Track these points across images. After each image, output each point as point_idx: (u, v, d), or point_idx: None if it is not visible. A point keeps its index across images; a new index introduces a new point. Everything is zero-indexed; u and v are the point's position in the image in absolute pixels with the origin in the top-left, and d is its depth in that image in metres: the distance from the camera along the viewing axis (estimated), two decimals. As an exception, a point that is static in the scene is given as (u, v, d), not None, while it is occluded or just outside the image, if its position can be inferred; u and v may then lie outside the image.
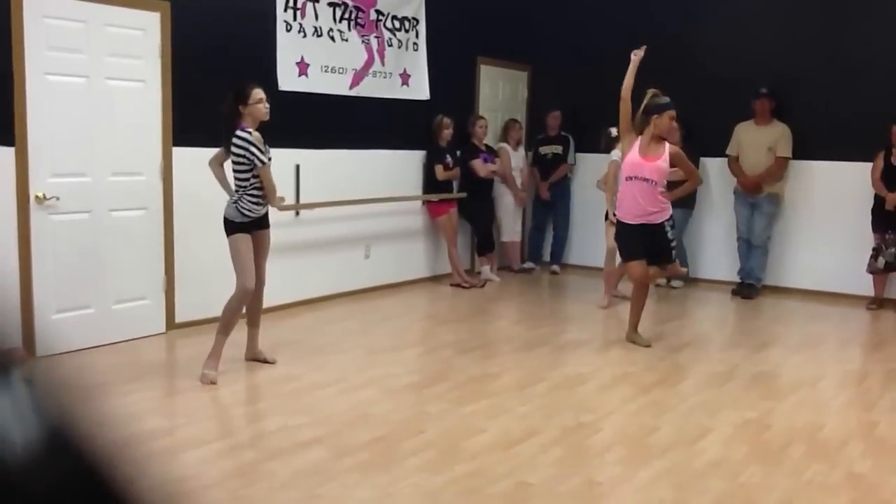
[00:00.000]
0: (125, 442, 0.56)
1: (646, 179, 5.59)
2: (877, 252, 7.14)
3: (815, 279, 7.91)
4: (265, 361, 5.11)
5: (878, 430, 4.19)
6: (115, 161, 5.45)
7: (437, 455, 3.71)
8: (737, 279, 8.07)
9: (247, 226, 4.81)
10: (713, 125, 7.99)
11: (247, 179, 4.74)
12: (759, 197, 7.84)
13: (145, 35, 5.56)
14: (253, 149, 4.66)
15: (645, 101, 5.68)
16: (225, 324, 4.83)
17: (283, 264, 6.66)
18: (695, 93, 8.22)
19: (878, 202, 7.24)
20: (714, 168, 8.27)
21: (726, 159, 8.04)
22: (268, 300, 6.45)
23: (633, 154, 5.63)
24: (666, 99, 5.69)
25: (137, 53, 5.53)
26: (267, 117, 4.82)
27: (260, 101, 4.77)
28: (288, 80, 6.52)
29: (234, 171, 4.79)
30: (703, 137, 8.05)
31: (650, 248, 5.72)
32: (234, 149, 4.71)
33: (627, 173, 5.66)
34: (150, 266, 5.74)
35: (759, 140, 7.79)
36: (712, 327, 6.85)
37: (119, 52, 5.41)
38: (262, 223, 4.93)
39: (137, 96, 5.55)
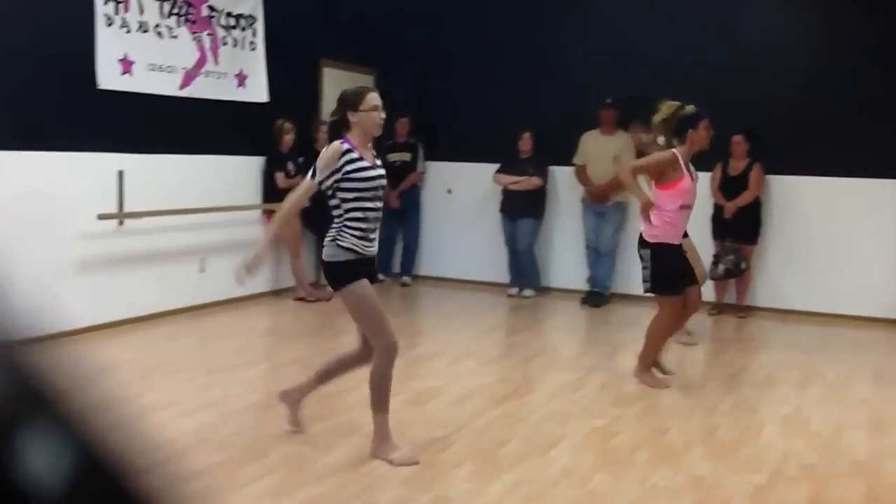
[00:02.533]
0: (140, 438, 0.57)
1: (691, 206, 5.35)
2: (717, 259, 7.71)
3: (661, 286, 8.43)
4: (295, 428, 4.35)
5: (718, 433, 4.55)
6: None
7: (281, 479, 3.72)
8: (586, 287, 8.48)
9: (356, 267, 3.93)
10: (563, 134, 8.38)
11: (336, 206, 3.96)
12: (605, 206, 8.29)
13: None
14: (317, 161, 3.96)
15: (665, 114, 5.34)
16: (379, 398, 4.00)
17: (109, 279, 6.45)
18: (544, 101, 8.62)
19: (717, 211, 7.83)
20: (563, 177, 8.67)
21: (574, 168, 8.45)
22: (94, 318, 6.25)
23: (689, 180, 5.23)
24: (692, 107, 5.36)
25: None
26: (379, 131, 4.09)
27: (374, 108, 4.00)
28: (109, 78, 6.33)
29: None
30: (553, 146, 8.44)
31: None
32: None
33: (686, 201, 5.26)
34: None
35: (604, 149, 8.24)
36: (563, 336, 7.18)
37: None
38: (371, 269, 4.08)
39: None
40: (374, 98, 4.01)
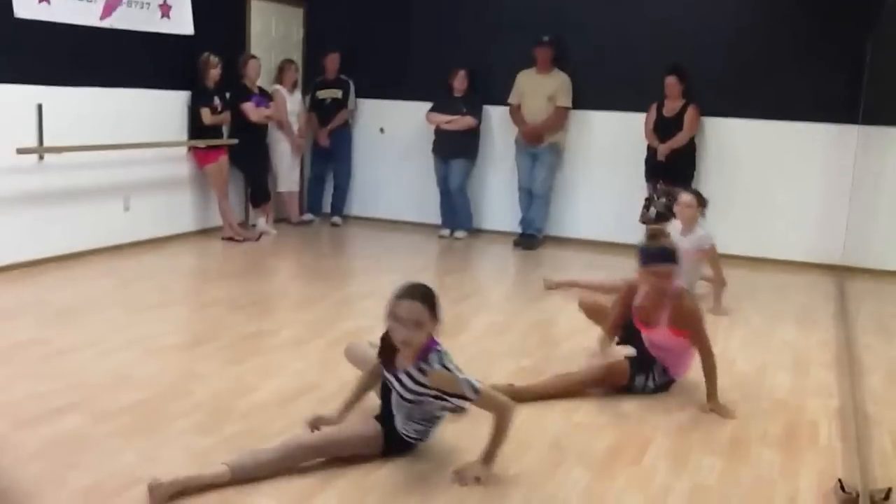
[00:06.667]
0: None
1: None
2: (649, 202, 7.87)
3: (594, 229, 8.61)
4: None
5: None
6: None
7: (206, 416, 3.77)
8: (519, 230, 8.60)
9: None
10: (498, 72, 8.41)
11: None
12: (540, 147, 8.37)
13: None
14: None
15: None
16: None
17: (26, 216, 6.34)
18: (479, 39, 8.61)
19: (651, 153, 7.97)
20: (497, 116, 8.71)
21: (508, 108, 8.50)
22: (11, 257, 6.16)
23: None
24: (659, 245, 4.28)
25: None
26: None
27: None
28: (26, 6, 6.11)
29: None
30: (488, 84, 8.48)
31: None
32: None
33: None
34: None
35: (539, 89, 8.29)
36: (493, 278, 7.30)
37: None
38: None
39: None
40: None
